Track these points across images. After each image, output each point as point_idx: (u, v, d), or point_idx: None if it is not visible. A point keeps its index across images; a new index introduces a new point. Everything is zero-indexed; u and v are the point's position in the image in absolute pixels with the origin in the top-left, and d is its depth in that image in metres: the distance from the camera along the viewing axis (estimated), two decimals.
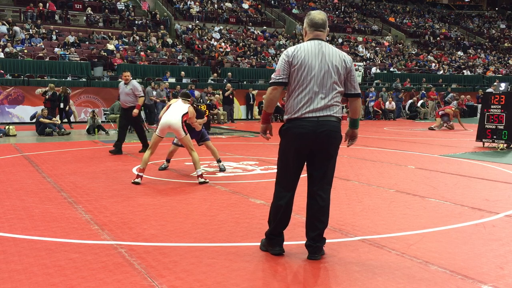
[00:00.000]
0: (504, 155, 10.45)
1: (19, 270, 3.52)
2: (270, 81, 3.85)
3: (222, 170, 8.03)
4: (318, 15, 3.78)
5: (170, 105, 7.27)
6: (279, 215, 3.83)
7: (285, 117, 3.76)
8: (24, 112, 18.73)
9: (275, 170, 7.48)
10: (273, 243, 3.89)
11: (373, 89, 25.19)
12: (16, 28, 23.32)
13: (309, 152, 3.72)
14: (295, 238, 4.32)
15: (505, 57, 38.46)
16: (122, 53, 23.79)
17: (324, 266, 3.66)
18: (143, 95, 10.23)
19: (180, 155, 9.83)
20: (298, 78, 3.67)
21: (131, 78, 10.26)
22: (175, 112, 7.11)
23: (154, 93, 18.82)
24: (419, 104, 24.88)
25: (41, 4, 26.06)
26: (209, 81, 23.32)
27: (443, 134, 15.66)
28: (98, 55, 23.23)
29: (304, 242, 3.88)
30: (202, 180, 6.99)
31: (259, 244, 4.13)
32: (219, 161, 8.14)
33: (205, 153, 10.42)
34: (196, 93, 20.80)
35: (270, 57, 28.16)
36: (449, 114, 17.55)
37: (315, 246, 3.76)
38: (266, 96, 3.89)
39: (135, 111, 9.94)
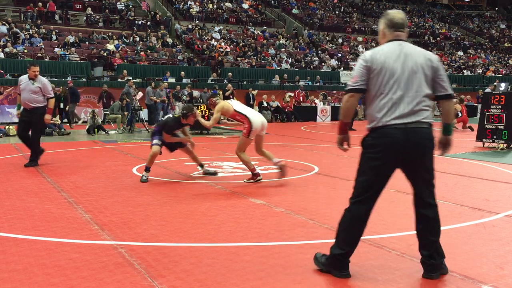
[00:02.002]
0: (504, 155, 10.44)
1: (19, 270, 3.52)
2: (347, 88, 3.48)
3: (211, 173, 7.60)
4: (397, 14, 3.49)
5: (231, 106, 7.15)
6: (355, 233, 3.48)
7: (367, 126, 3.43)
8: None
9: (275, 170, 7.46)
10: (341, 265, 3.46)
11: None
12: (17, 30, 23.34)
13: (398, 164, 3.41)
14: (295, 238, 4.32)
15: (505, 57, 38.46)
16: (122, 53, 23.80)
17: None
18: (53, 96, 8.66)
19: (180, 155, 9.83)
20: (379, 83, 3.34)
21: (38, 73, 8.51)
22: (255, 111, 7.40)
23: (161, 92, 18.84)
24: None
25: (41, 4, 26.06)
26: (209, 81, 23.33)
27: None
28: (98, 55, 23.24)
29: (303, 242, 3.87)
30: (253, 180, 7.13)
31: (259, 244, 4.13)
32: (202, 166, 7.66)
33: (204, 153, 10.43)
34: (196, 93, 20.81)
35: (270, 57, 28.17)
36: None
37: (429, 263, 3.44)
38: (343, 105, 3.52)
39: (48, 117, 8.49)
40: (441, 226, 3.52)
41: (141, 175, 7.19)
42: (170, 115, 7.71)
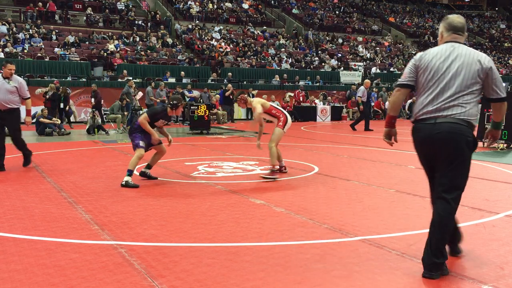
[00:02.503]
0: (504, 155, 10.44)
1: (19, 270, 3.52)
2: (396, 83, 3.85)
3: (150, 177, 7.25)
4: (457, 18, 3.70)
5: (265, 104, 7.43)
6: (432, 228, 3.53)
7: (411, 119, 3.75)
8: (24, 112, 18.68)
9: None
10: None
11: (375, 89, 25.19)
12: (17, 30, 23.35)
13: (432, 155, 3.59)
14: (295, 238, 4.32)
15: (505, 57, 38.48)
16: (122, 53, 23.80)
17: (323, 266, 3.66)
18: (29, 96, 8.29)
19: (180, 156, 9.83)
20: (423, 81, 3.60)
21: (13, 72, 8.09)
22: None
23: (161, 92, 18.84)
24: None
25: (41, 4, 26.06)
26: (209, 81, 23.34)
27: None
28: (98, 55, 23.25)
29: (303, 242, 3.88)
30: (271, 177, 7.14)
31: (259, 244, 4.13)
32: (149, 167, 7.30)
33: (204, 153, 10.44)
34: (196, 93, 20.82)
35: (270, 57, 28.17)
36: None
37: (431, 262, 3.44)
38: (390, 99, 3.88)
39: (28, 119, 8.21)
40: (450, 226, 3.54)
41: (125, 181, 6.66)
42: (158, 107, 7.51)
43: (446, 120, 3.45)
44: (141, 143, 6.91)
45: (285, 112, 7.56)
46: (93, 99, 17.91)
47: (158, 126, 7.21)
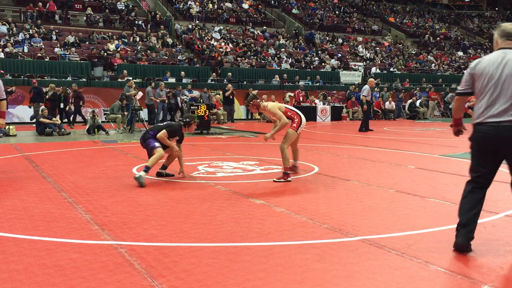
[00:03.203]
0: None
1: (19, 270, 3.52)
2: (455, 92, 4.32)
3: (167, 175, 7.51)
4: (509, 25, 3.99)
5: (279, 106, 7.33)
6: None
7: (471, 122, 4.03)
8: (24, 112, 18.74)
9: (275, 170, 7.54)
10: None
11: (377, 89, 25.22)
12: (17, 30, 23.37)
13: (496, 155, 3.92)
14: (295, 238, 4.32)
15: None
16: (122, 53, 23.80)
17: (324, 266, 3.66)
18: (5, 98, 7.61)
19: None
20: (479, 87, 3.92)
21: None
22: None
23: (161, 92, 18.84)
24: (417, 104, 24.89)
25: (41, 4, 26.06)
26: (209, 81, 23.34)
27: (443, 134, 15.66)
28: (98, 55, 23.25)
29: (303, 242, 3.86)
30: (284, 180, 7.09)
31: (259, 244, 4.13)
32: (164, 167, 7.56)
33: (204, 153, 10.44)
34: (196, 93, 20.82)
35: (270, 57, 28.17)
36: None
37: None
38: (453, 106, 4.48)
39: (2, 121, 7.55)
40: None
41: (139, 175, 6.80)
42: (168, 123, 7.65)
43: (507, 124, 3.76)
44: (157, 144, 7.12)
45: (299, 112, 7.38)
46: (72, 99, 17.45)
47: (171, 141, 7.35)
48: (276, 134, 7.25)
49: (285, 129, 7.32)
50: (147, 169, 6.91)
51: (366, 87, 16.36)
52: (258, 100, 7.44)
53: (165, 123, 7.87)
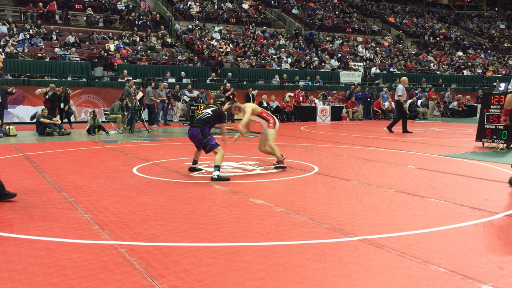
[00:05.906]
0: (504, 155, 10.45)
1: (19, 270, 3.52)
2: (509, 90, 5.16)
3: (199, 170, 8.01)
4: None
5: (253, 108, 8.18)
6: None
7: None
8: (25, 112, 18.76)
9: (275, 170, 7.56)
10: None
11: (385, 89, 25.23)
12: (17, 30, 23.36)
13: None
14: (295, 238, 4.32)
15: (504, 57, 38.48)
16: (122, 53, 23.81)
17: (324, 266, 3.66)
18: None
19: (180, 155, 9.83)
20: None
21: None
22: None
23: (161, 92, 18.84)
24: (418, 103, 24.91)
25: (41, 4, 26.06)
26: (209, 81, 23.34)
27: (443, 134, 15.66)
28: (98, 55, 23.25)
29: (303, 242, 3.87)
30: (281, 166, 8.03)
31: (259, 244, 4.13)
32: (195, 162, 8.12)
33: (204, 153, 10.41)
34: (196, 93, 20.83)
35: (270, 57, 28.17)
36: None
37: None
38: (507, 99, 5.38)
39: None
40: None
41: (216, 175, 7.08)
42: (209, 110, 7.71)
43: None
44: (215, 142, 7.48)
45: (274, 116, 8.48)
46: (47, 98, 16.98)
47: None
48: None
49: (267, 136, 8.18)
50: (218, 168, 7.22)
51: (400, 86, 15.37)
52: (237, 103, 8.37)
53: (209, 111, 7.72)
